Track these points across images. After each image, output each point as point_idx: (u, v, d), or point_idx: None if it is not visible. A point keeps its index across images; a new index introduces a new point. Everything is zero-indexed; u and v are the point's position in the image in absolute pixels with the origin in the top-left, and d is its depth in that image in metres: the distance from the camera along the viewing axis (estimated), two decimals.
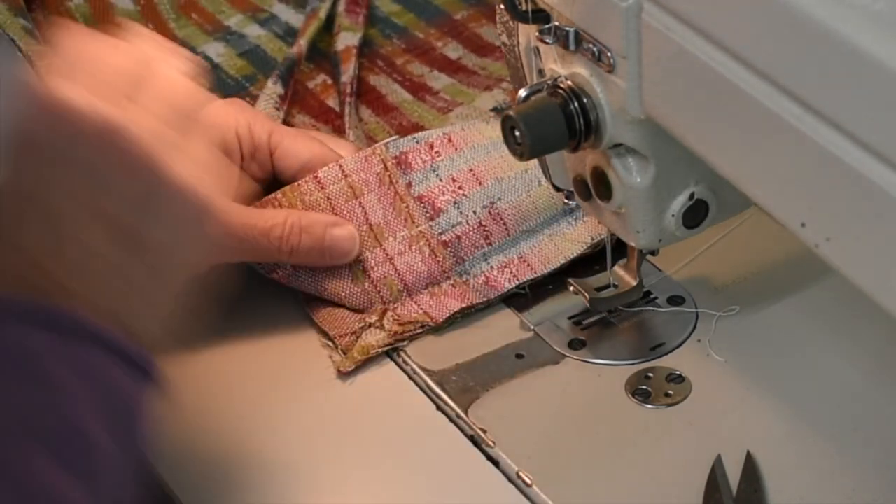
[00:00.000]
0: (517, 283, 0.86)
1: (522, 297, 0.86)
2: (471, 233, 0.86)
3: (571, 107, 0.72)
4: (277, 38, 1.09)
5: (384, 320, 0.84)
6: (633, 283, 0.83)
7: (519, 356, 0.82)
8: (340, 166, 0.86)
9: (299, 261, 0.84)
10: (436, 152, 0.88)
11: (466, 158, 0.88)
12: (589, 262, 0.87)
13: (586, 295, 0.82)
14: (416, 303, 0.85)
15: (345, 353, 0.83)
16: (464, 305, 0.84)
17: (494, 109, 0.99)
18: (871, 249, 0.57)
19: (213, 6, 1.13)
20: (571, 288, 0.83)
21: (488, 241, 0.87)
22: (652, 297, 0.85)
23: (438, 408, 0.79)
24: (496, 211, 0.87)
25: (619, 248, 0.83)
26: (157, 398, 0.66)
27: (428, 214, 0.86)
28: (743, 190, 0.64)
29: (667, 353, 0.81)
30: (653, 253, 0.82)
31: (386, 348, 0.83)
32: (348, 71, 1.03)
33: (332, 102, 1.02)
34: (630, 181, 0.74)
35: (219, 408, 0.81)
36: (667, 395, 0.79)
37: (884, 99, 0.53)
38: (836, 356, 0.80)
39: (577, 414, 0.78)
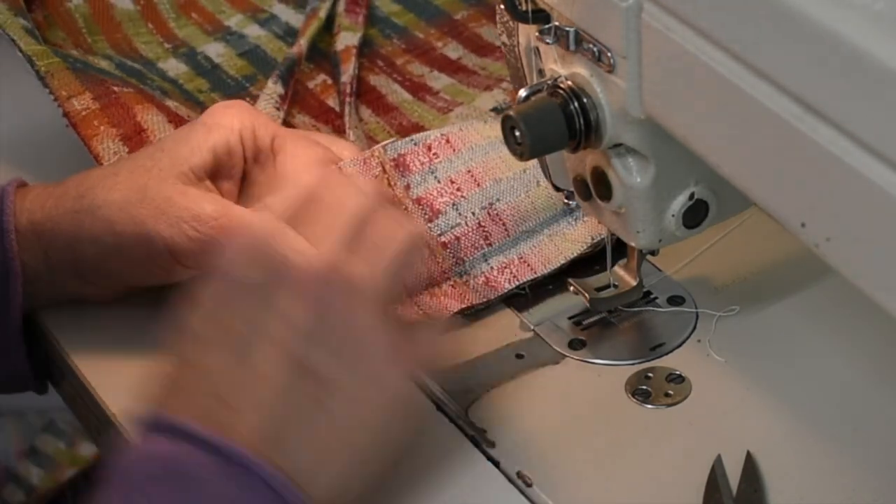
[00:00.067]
0: (517, 283, 0.86)
1: (522, 297, 0.86)
2: (470, 234, 0.86)
3: (571, 107, 0.72)
4: (277, 38, 1.09)
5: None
6: (633, 283, 0.83)
7: (519, 356, 0.82)
8: (340, 169, 0.86)
9: None
10: (434, 154, 0.88)
11: (464, 160, 0.88)
12: (589, 262, 0.87)
13: (586, 295, 0.82)
14: (415, 303, 0.85)
15: None
16: (463, 306, 0.84)
17: (494, 109, 0.99)
18: (871, 249, 0.57)
19: (213, 6, 1.13)
20: (571, 288, 0.83)
21: (488, 242, 0.87)
22: (652, 297, 0.85)
23: (438, 408, 0.79)
24: (495, 212, 0.87)
25: (619, 248, 0.83)
26: None
27: (427, 216, 0.86)
28: (743, 190, 0.64)
29: (667, 353, 0.81)
30: (653, 253, 0.82)
31: None
32: (348, 71, 1.03)
33: (332, 102, 1.02)
34: (630, 181, 0.74)
35: None
36: (667, 395, 0.79)
37: (884, 99, 0.53)
38: (836, 356, 0.80)
39: (577, 414, 0.78)
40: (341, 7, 1.09)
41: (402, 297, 0.72)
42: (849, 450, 0.75)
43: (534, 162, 0.88)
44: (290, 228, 0.68)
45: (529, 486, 0.74)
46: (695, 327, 0.83)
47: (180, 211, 0.81)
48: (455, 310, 0.84)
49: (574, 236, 0.87)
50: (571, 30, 0.70)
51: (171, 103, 0.96)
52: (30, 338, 0.87)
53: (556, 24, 0.71)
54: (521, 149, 0.72)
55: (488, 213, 0.87)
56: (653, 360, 0.81)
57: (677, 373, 0.80)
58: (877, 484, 0.72)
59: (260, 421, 0.66)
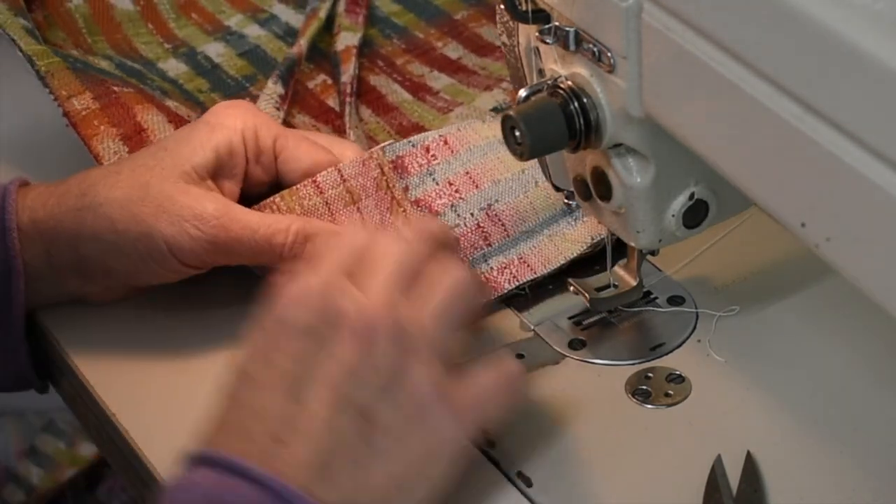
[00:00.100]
0: (517, 283, 0.86)
1: (522, 297, 0.86)
2: (469, 234, 0.86)
3: (571, 107, 0.72)
4: (277, 38, 1.09)
5: None
6: (633, 283, 0.83)
7: (519, 356, 0.82)
8: (339, 171, 0.86)
9: None
10: (432, 156, 0.88)
11: (462, 161, 0.88)
12: (589, 262, 0.87)
13: (586, 295, 0.82)
14: None
15: None
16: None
17: (494, 109, 0.99)
18: (871, 249, 0.57)
19: (213, 6, 1.13)
20: (571, 288, 0.83)
21: (487, 243, 0.87)
22: (652, 297, 0.85)
23: None
24: (494, 213, 0.87)
25: (619, 248, 0.83)
26: None
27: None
28: (743, 190, 0.64)
29: (667, 353, 0.81)
30: (653, 253, 0.82)
31: None
32: (348, 71, 1.03)
33: (332, 102, 1.02)
34: (630, 181, 0.74)
35: None
36: (667, 395, 0.79)
37: (884, 99, 0.53)
38: (836, 356, 0.80)
39: (577, 414, 0.78)
40: (341, 7, 1.08)
41: (460, 340, 0.73)
42: (849, 450, 0.75)
43: (532, 163, 0.88)
44: (343, 277, 0.69)
45: (529, 486, 0.74)
46: (695, 327, 0.83)
47: (182, 209, 0.81)
48: None
49: (574, 236, 0.87)
50: (571, 30, 0.70)
51: (171, 103, 0.96)
52: (30, 337, 0.87)
53: (556, 24, 0.71)
54: (521, 149, 0.72)
55: (487, 214, 0.87)
56: (653, 360, 0.81)
57: (677, 373, 0.80)
58: (877, 484, 0.72)
59: (306, 455, 0.66)
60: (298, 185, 0.86)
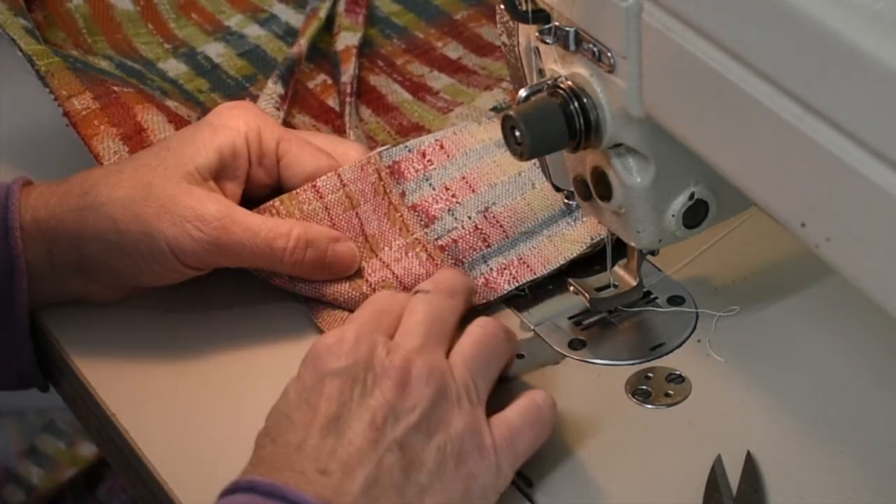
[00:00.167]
0: (516, 284, 0.86)
1: (522, 298, 0.86)
2: (467, 236, 0.86)
3: (571, 107, 0.72)
4: (277, 38, 1.09)
5: None
6: (633, 283, 0.83)
7: (519, 356, 0.82)
8: (339, 175, 0.86)
9: (299, 273, 0.84)
10: (428, 161, 0.88)
11: (458, 166, 0.88)
12: (589, 262, 0.87)
13: (586, 295, 0.82)
14: None
15: None
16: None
17: (494, 109, 0.99)
18: (871, 249, 0.57)
19: (213, 6, 1.13)
20: (571, 288, 0.83)
21: (486, 244, 0.87)
22: (652, 297, 0.85)
23: None
24: (491, 215, 0.87)
25: (619, 248, 0.83)
26: None
27: (423, 222, 0.87)
28: (743, 190, 0.64)
29: (667, 353, 0.82)
30: (653, 253, 0.82)
31: None
32: (348, 71, 1.03)
33: (332, 102, 1.02)
34: (630, 181, 0.74)
35: (220, 409, 0.81)
36: (667, 395, 0.79)
37: (884, 99, 0.53)
38: (836, 356, 0.80)
39: (577, 414, 0.78)
40: (341, 7, 1.08)
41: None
42: (849, 450, 0.75)
43: (528, 165, 0.88)
44: (377, 329, 0.73)
45: (530, 486, 0.74)
46: (695, 327, 0.83)
47: (184, 210, 0.81)
48: None
49: (573, 237, 0.87)
50: (571, 30, 0.70)
51: (171, 103, 0.96)
52: (31, 337, 0.87)
53: (556, 24, 0.71)
54: (521, 149, 0.72)
55: (485, 217, 0.87)
56: (653, 360, 0.81)
57: (677, 373, 0.80)
58: (877, 484, 0.72)
59: (351, 484, 0.67)
60: (298, 190, 0.86)
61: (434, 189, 0.88)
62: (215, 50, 1.08)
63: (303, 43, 1.04)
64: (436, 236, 0.86)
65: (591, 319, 0.84)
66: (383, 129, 1.00)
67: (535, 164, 0.88)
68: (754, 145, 0.61)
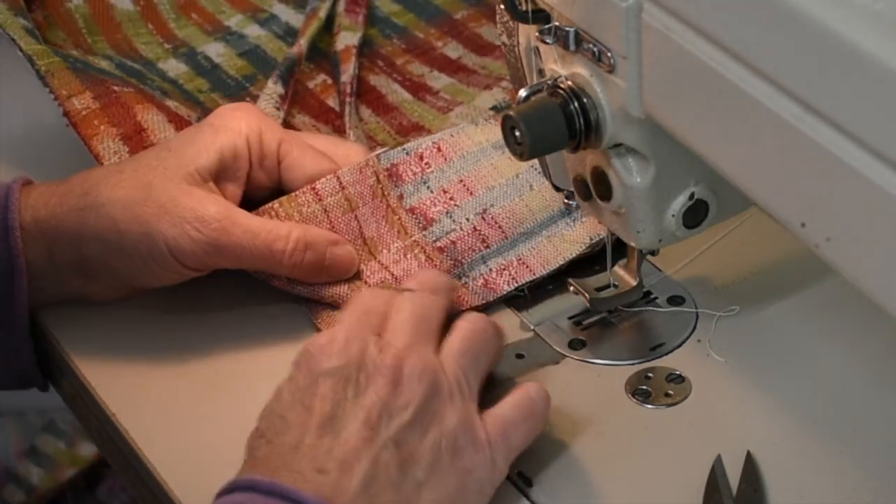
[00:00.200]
0: (516, 285, 0.86)
1: (522, 298, 0.86)
2: (466, 237, 0.86)
3: (571, 107, 0.72)
4: (277, 38, 1.09)
5: None
6: (633, 283, 0.83)
7: (519, 356, 0.82)
8: (338, 178, 0.86)
9: (298, 275, 0.84)
10: (426, 164, 0.88)
11: (456, 169, 0.89)
12: (589, 262, 0.87)
13: (586, 295, 0.82)
14: None
15: None
16: (462, 308, 0.84)
17: (494, 108, 0.99)
18: (871, 249, 0.57)
19: (213, 6, 1.13)
20: (571, 288, 0.83)
21: (485, 245, 0.87)
22: (652, 297, 0.85)
23: None
24: (490, 217, 0.87)
25: (619, 248, 0.83)
26: None
27: (421, 225, 0.87)
28: (743, 190, 0.64)
29: (667, 353, 0.81)
30: (653, 253, 0.82)
31: None
32: (348, 71, 1.03)
33: (332, 102, 1.02)
34: (630, 181, 0.74)
35: (220, 409, 0.81)
36: (667, 395, 0.79)
37: (884, 99, 0.53)
38: (836, 356, 0.80)
39: (577, 414, 0.78)
40: (341, 7, 1.08)
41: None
42: (849, 450, 0.75)
43: (526, 167, 0.88)
44: (366, 328, 0.73)
45: (530, 486, 0.74)
46: (695, 327, 0.83)
47: (184, 211, 0.81)
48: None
49: (573, 237, 0.87)
50: (571, 30, 0.70)
51: (171, 103, 0.96)
52: (31, 336, 0.87)
53: (556, 24, 0.71)
54: (521, 149, 0.72)
55: (483, 219, 0.87)
56: (653, 360, 0.81)
57: (677, 373, 0.80)
58: (877, 484, 0.72)
59: (349, 482, 0.67)
60: (297, 192, 0.86)
61: (432, 192, 0.88)
62: (215, 50, 1.08)
63: (303, 43, 1.04)
64: (434, 238, 0.86)
65: (591, 319, 0.84)
66: (383, 129, 1.00)
67: (532, 166, 0.88)
68: (754, 145, 0.61)
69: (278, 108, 0.98)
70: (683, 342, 0.82)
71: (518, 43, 0.78)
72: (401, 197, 0.87)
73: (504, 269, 0.86)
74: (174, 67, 1.07)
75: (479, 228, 0.87)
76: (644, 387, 0.79)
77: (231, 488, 0.68)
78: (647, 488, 0.74)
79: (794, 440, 0.75)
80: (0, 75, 1.05)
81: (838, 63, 0.54)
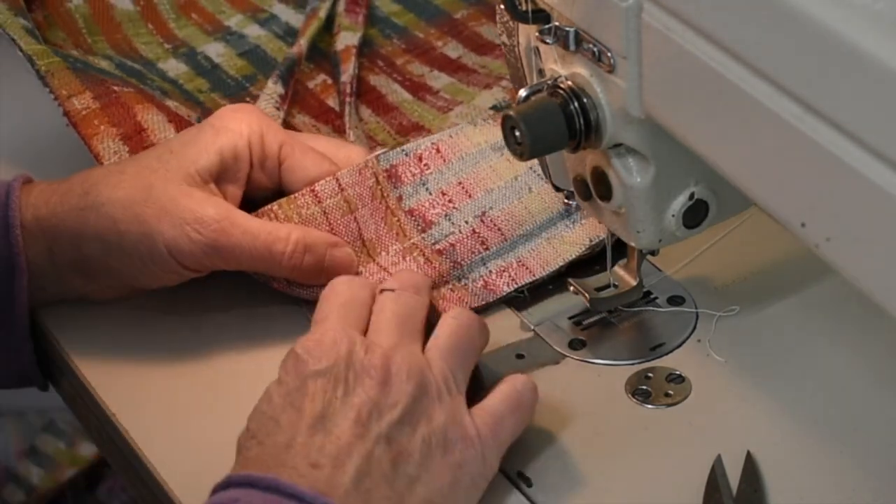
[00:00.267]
0: (515, 286, 0.86)
1: (522, 298, 0.86)
2: (465, 240, 0.86)
3: (571, 107, 0.72)
4: (277, 38, 1.09)
5: None
6: (633, 283, 0.83)
7: (519, 356, 0.82)
8: (337, 179, 0.86)
9: (297, 277, 0.84)
10: (425, 165, 0.88)
11: (455, 171, 0.89)
12: (589, 263, 0.87)
13: (586, 295, 0.82)
14: None
15: None
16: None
17: (494, 108, 0.99)
18: (871, 249, 0.57)
19: (213, 6, 1.13)
20: (571, 288, 0.83)
21: (485, 247, 0.87)
22: (652, 297, 0.85)
23: None
24: (489, 219, 0.87)
25: (619, 249, 0.83)
26: None
27: (419, 227, 0.87)
28: (743, 190, 0.64)
29: (667, 353, 0.81)
30: (653, 253, 0.82)
31: None
32: (348, 71, 1.02)
33: (332, 102, 1.02)
34: (630, 181, 0.74)
35: (220, 409, 0.81)
36: (667, 395, 0.79)
37: (884, 99, 0.53)
38: (836, 356, 0.80)
39: (577, 414, 0.78)
40: (341, 7, 1.08)
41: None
42: (849, 450, 0.75)
43: (524, 169, 0.88)
44: (351, 328, 0.73)
45: (530, 486, 0.74)
46: (695, 327, 0.83)
47: (184, 212, 0.81)
48: None
49: (572, 239, 0.87)
50: (571, 30, 0.70)
51: (171, 103, 0.96)
52: (31, 336, 0.87)
53: (556, 24, 0.71)
54: (521, 149, 0.72)
55: (482, 221, 0.87)
56: (653, 360, 0.81)
57: (677, 373, 0.80)
58: (877, 484, 0.72)
59: (342, 477, 0.68)
60: (297, 194, 0.86)
61: (431, 194, 0.88)
62: (215, 50, 1.08)
63: (303, 43, 1.04)
64: (433, 241, 0.86)
65: (591, 319, 0.84)
66: (383, 129, 1.00)
67: (531, 168, 0.88)
68: (754, 145, 0.61)
69: (278, 108, 0.98)
70: (683, 342, 0.82)
71: (518, 43, 0.78)
72: (400, 198, 0.87)
73: (504, 271, 0.86)
74: (174, 67, 1.07)
75: (478, 231, 0.87)
76: (644, 387, 0.79)
77: (226, 484, 0.68)
78: (647, 488, 0.74)
79: (794, 440, 0.75)
80: (0, 75, 1.05)
81: (838, 63, 0.54)
